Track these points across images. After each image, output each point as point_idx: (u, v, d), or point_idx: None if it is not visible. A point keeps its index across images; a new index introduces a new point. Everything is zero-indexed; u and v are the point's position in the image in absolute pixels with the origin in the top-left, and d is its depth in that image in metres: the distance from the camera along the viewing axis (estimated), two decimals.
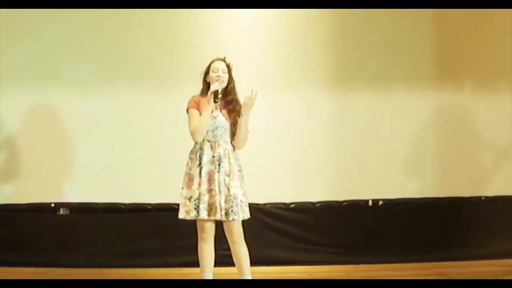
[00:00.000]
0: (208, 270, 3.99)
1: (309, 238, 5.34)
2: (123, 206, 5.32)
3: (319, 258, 5.26)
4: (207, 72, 4.06)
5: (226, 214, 3.91)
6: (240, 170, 4.02)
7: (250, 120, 4.03)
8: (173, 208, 5.25)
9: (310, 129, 5.41)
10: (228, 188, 3.93)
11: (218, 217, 3.90)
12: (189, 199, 3.94)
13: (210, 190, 3.92)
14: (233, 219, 3.92)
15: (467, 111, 5.49)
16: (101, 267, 5.05)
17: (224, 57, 4.08)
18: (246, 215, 4.00)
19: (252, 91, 3.95)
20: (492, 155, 5.49)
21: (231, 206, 3.91)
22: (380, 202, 5.47)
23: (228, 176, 3.95)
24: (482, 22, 5.45)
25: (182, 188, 3.99)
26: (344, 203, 5.44)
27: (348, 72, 5.44)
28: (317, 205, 5.42)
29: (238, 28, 5.37)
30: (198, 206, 3.91)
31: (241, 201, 3.96)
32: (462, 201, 5.46)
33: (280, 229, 5.33)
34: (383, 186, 5.43)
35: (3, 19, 5.21)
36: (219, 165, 3.94)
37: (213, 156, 3.95)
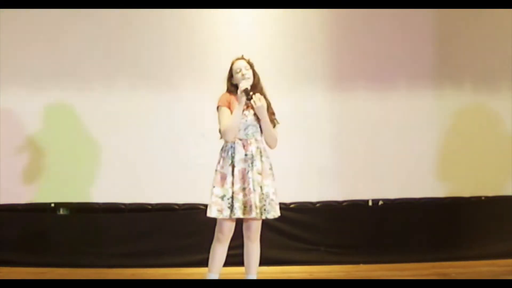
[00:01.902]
0: (215, 270, 3.96)
1: (309, 238, 5.34)
2: (123, 206, 5.32)
3: (319, 258, 5.26)
4: (231, 75, 4.03)
5: (260, 213, 3.90)
6: (271, 168, 3.99)
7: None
8: (173, 208, 5.30)
9: (309, 129, 5.41)
10: (261, 187, 3.91)
11: (253, 215, 3.86)
12: (222, 197, 3.88)
13: (243, 189, 3.89)
14: (266, 218, 3.92)
15: (467, 111, 5.50)
16: (101, 267, 5.05)
17: (242, 55, 4.06)
18: (277, 213, 3.98)
19: (255, 95, 3.92)
20: (492, 155, 5.48)
21: (264, 205, 3.90)
22: (380, 202, 5.47)
23: (260, 174, 3.92)
24: (482, 22, 5.45)
25: (214, 187, 3.91)
26: (344, 203, 5.44)
27: (348, 72, 5.44)
28: (317, 205, 5.42)
29: (239, 28, 5.37)
30: (232, 205, 3.87)
31: (272, 200, 3.94)
32: (462, 201, 5.47)
33: (280, 229, 5.32)
34: (383, 186, 5.44)
35: (11, 20, 5.22)
36: (251, 163, 3.91)
37: (246, 155, 3.92)
